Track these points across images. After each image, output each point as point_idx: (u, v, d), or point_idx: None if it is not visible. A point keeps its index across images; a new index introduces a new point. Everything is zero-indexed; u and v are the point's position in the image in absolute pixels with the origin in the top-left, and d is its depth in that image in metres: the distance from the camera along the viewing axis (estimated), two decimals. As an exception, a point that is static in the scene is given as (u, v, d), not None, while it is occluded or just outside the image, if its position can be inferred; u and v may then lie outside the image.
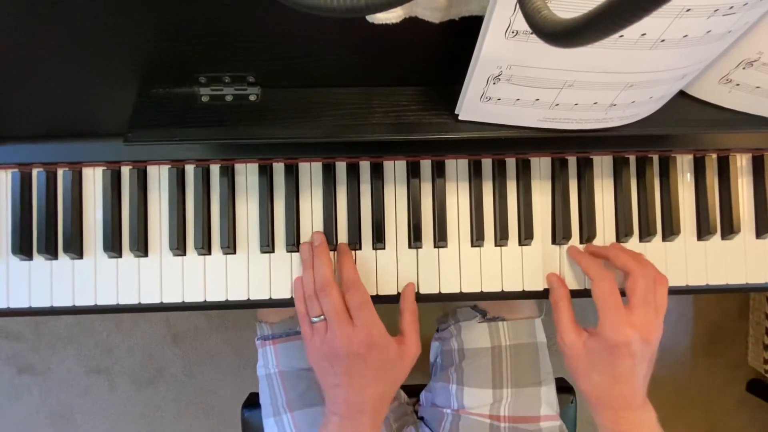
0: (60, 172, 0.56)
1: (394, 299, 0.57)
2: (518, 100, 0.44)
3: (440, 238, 0.56)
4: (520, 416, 0.65)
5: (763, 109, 0.49)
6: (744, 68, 0.44)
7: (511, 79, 0.42)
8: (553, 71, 0.40)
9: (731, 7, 0.34)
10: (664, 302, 0.52)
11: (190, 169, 0.56)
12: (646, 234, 0.58)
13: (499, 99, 0.44)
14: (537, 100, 0.44)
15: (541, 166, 0.58)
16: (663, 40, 0.36)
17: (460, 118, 0.49)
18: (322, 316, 0.52)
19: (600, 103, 0.44)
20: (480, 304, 0.69)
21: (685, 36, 0.36)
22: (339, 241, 0.57)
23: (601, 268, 0.53)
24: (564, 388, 0.77)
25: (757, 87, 0.46)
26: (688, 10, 0.33)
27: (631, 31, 0.35)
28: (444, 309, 0.76)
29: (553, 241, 0.58)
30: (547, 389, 0.68)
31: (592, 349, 0.52)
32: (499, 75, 0.41)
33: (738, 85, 0.46)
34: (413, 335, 0.55)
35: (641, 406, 0.52)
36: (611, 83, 0.42)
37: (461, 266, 0.57)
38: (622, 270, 0.53)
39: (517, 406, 0.66)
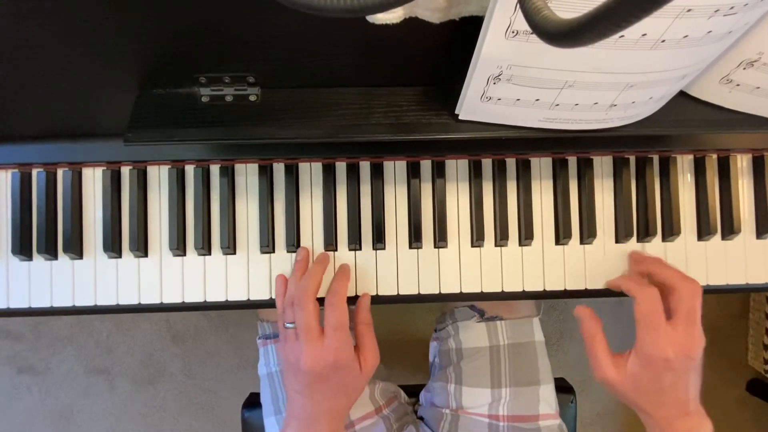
0: (60, 172, 0.56)
1: (394, 300, 0.57)
2: (518, 100, 0.44)
3: (440, 238, 0.56)
4: (519, 415, 0.65)
5: (763, 109, 0.49)
6: (744, 68, 0.44)
7: (512, 79, 0.42)
8: (553, 71, 0.40)
9: (732, 8, 0.34)
10: (700, 312, 0.52)
11: (190, 170, 0.56)
12: (646, 234, 0.58)
13: (499, 99, 0.44)
14: (537, 100, 0.44)
15: (541, 166, 0.58)
16: (663, 41, 0.36)
17: (460, 117, 0.49)
18: (294, 325, 0.52)
19: (600, 103, 0.44)
20: (478, 303, 0.69)
21: (686, 36, 0.36)
22: (339, 243, 0.57)
23: (644, 286, 0.52)
24: (564, 387, 0.77)
25: (758, 87, 0.46)
26: (688, 10, 0.33)
27: (632, 32, 0.35)
28: (442, 309, 0.76)
29: (554, 242, 0.58)
30: (545, 388, 0.68)
31: (634, 373, 0.51)
32: (499, 75, 0.41)
33: (738, 85, 0.46)
34: (371, 347, 0.54)
35: (694, 413, 0.52)
36: (611, 83, 0.42)
37: (461, 266, 0.57)
38: (666, 284, 0.52)
39: (515, 406, 0.66)
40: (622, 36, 0.35)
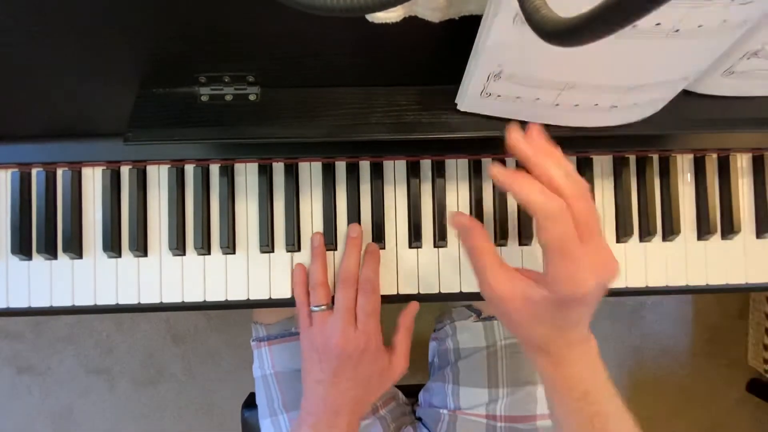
0: (60, 171, 0.56)
1: (394, 299, 0.57)
2: (518, 98, 0.44)
3: (440, 238, 0.56)
4: (517, 415, 0.65)
5: (761, 90, 0.48)
6: (748, 59, 0.43)
7: (512, 78, 0.41)
8: (554, 71, 0.40)
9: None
10: (597, 217, 0.41)
11: (189, 169, 0.56)
12: (646, 234, 0.57)
13: (499, 95, 0.44)
14: (537, 99, 0.44)
15: (541, 165, 0.58)
16: (677, 30, 0.35)
17: (460, 108, 0.48)
18: (324, 306, 0.52)
19: (601, 105, 0.44)
20: (475, 303, 0.69)
21: (701, 26, 0.35)
22: (339, 243, 0.57)
23: (547, 196, 0.38)
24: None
25: (759, 70, 0.45)
26: None
27: (645, 21, 0.34)
28: (441, 308, 0.76)
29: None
30: (543, 388, 0.67)
31: (534, 301, 0.41)
32: (499, 72, 0.41)
33: (742, 73, 0.45)
34: (403, 352, 0.55)
35: (583, 341, 0.43)
36: (613, 86, 0.41)
37: (461, 266, 0.57)
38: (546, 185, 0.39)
39: (513, 406, 0.65)
40: (635, 26, 0.34)
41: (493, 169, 0.41)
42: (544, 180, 0.39)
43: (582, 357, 0.43)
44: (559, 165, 0.40)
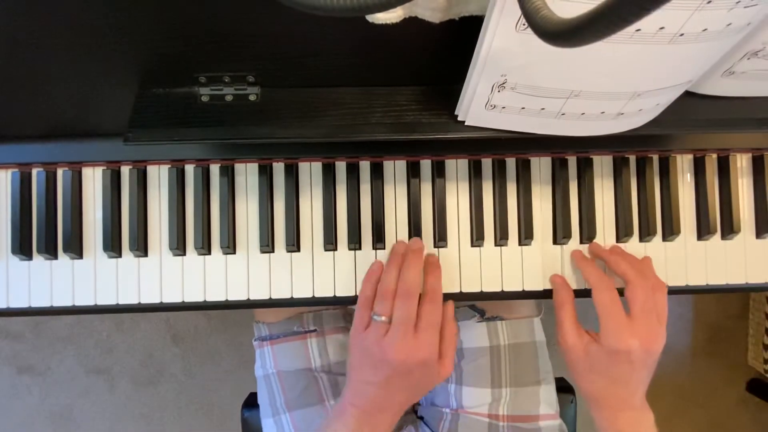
0: (60, 171, 0.56)
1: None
2: (523, 108, 0.44)
3: (440, 238, 0.56)
4: (519, 415, 0.65)
5: (761, 90, 0.48)
6: (749, 59, 0.43)
7: (517, 88, 0.41)
8: (560, 79, 0.40)
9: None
10: (665, 309, 0.53)
11: (190, 169, 0.56)
12: (646, 234, 0.58)
13: (503, 107, 0.44)
14: (543, 109, 0.44)
15: (541, 166, 0.58)
16: (682, 34, 0.35)
17: (464, 121, 0.48)
18: (386, 318, 0.51)
19: (607, 112, 0.44)
20: (478, 303, 0.69)
21: (705, 30, 0.35)
22: (339, 243, 0.57)
23: (601, 276, 0.53)
24: (564, 387, 0.77)
25: (759, 71, 0.45)
26: (708, 1, 0.32)
27: (649, 25, 0.33)
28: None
29: (554, 242, 0.58)
30: (546, 388, 0.68)
31: (592, 353, 0.52)
32: (503, 83, 0.41)
33: (742, 73, 0.45)
34: (451, 357, 0.54)
35: (639, 408, 0.53)
36: (618, 93, 0.41)
37: (461, 266, 0.57)
38: (621, 278, 0.53)
39: (516, 406, 0.66)
40: (639, 29, 0.34)
41: (575, 254, 0.58)
42: (617, 269, 0.54)
43: (637, 423, 0.53)
44: (633, 263, 0.54)
